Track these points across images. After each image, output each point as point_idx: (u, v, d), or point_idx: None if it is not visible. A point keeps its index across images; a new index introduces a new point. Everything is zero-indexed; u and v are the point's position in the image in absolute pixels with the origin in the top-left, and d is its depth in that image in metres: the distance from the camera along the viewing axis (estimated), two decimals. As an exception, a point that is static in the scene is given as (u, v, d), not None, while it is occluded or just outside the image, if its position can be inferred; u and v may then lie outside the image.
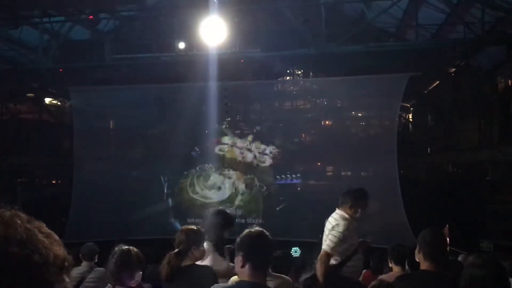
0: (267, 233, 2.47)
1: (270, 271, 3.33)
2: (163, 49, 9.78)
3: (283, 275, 3.42)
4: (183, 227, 3.54)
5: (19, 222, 0.88)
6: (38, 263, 0.86)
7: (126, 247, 3.18)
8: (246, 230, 2.43)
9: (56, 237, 0.93)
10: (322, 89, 12.25)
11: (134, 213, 11.13)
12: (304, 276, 4.10)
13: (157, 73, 11.29)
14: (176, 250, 3.31)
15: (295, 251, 7.91)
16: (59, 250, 0.91)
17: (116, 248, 3.19)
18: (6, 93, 12.44)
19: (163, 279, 3.26)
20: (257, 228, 2.52)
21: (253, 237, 2.37)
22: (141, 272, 3.12)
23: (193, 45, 9.22)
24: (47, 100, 14.17)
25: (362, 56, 9.83)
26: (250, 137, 11.53)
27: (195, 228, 3.51)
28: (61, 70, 10.47)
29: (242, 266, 2.31)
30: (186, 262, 3.30)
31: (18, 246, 0.85)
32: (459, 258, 6.11)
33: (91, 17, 9.40)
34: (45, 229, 0.92)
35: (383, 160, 10.60)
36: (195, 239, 3.41)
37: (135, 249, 3.17)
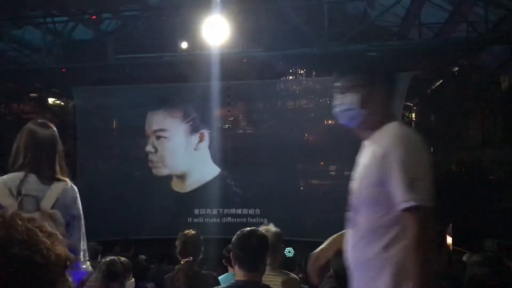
0: (261, 233, 2.48)
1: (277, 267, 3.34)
2: (166, 49, 9.80)
3: (291, 273, 3.45)
4: (185, 232, 3.51)
5: (20, 222, 0.88)
6: (40, 263, 0.86)
7: (112, 257, 3.14)
8: (240, 230, 2.47)
9: (58, 236, 0.93)
10: (325, 88, 12.20)
11: (138, 212, 11.15)
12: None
13: (159, 72, 11.30)
14: (191, 258, 3.31)
15: (289, 251, 7.91)
16: (61, 249, 0.91)
17: (102, 260, 3.17)
18: (9, 93, 12.46)
19: (181, 286, 3.24)
20: (254, 227, 2.54)
21: (242, 237, 2.41)
22: (132, 280, 3.09)
23: (195, 44, 9.23)
24: (51, 100, 14.20)
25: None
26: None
27: (196, 232, 3.52)
28: (64, 70, 10.48)
29: (234, 265, 2.39)
30: (195, 268, 3.34)
31: (19, 247, 0.85)
32: (464, 258, 6.09)
33: (94, 17, 9.42)
34: (47, 228, 0.92)
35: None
36: (199, 243, 3.44)
37: (122, 258, 3.14)
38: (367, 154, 1.94)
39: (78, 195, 2.51)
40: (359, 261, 1.96)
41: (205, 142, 11.28)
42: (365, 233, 1.90)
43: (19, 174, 2.35)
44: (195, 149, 11.26)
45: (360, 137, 2.06)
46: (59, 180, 2.42)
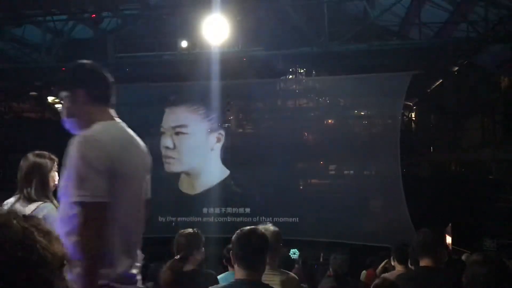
0: (261, 232, 2.47)
1: (276, 267, 3.32)
2: (166, 47, 9.79)
3: (290, 272, 3.43)
4: (181, 231, 3.50)
5: (15, 221, 0.88)
6: (36, 263, 0.85)
7: None
8: (240, 229, 2.45)
9: (55, 235, 0.93)
10: (325, 87, 12.22)
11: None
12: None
13: (159, 71, 11.29)
14: (178, 256, 3.28)
15: (294, 253, 7.87)
16: (58, 248, 0.91)
17: None
18: (9, 91, 12.46)
19: (164, 285, 3.22)
20: (254, 226, 2.53)
21: (242, 236, 2.39)
22: None
23: (195, 43, 9.23)
24: (50, 99, 14.19)
25: (365, 54, 9.81)
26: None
27: (193, 231, 3.49)
28: (63, 68, 10.46)
29: (234, 264, 2.38)
30: (188, 267, 3.29)
31: (14, 247, 0.84)
32: (463, 257, 6.10)
33: (94, 16, 9.41)
34: (43, 226, 0.92)
35: (386, 158, 10.58)
36: (195, 242, 3.41)
37: None
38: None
39: (49, 213, 2.74)
40: None
41: (220, 144, 11.24)
42: (60, 220, 2.06)
43: (15, 198, 2.88)
44: (211, 149, 11.20)
45: None
46: (35, 201, 2.81)
